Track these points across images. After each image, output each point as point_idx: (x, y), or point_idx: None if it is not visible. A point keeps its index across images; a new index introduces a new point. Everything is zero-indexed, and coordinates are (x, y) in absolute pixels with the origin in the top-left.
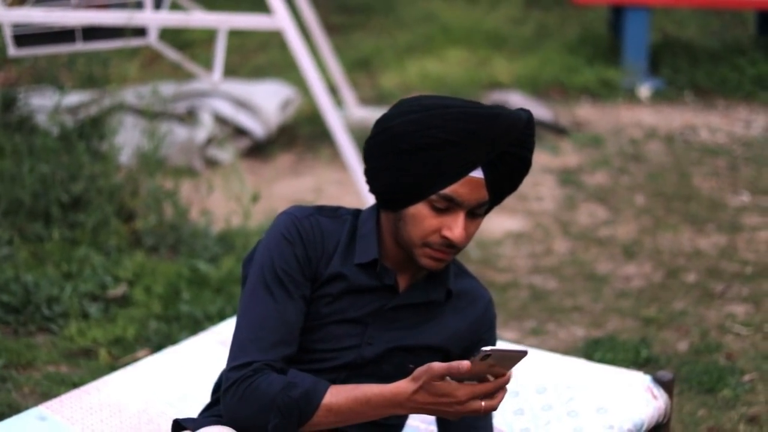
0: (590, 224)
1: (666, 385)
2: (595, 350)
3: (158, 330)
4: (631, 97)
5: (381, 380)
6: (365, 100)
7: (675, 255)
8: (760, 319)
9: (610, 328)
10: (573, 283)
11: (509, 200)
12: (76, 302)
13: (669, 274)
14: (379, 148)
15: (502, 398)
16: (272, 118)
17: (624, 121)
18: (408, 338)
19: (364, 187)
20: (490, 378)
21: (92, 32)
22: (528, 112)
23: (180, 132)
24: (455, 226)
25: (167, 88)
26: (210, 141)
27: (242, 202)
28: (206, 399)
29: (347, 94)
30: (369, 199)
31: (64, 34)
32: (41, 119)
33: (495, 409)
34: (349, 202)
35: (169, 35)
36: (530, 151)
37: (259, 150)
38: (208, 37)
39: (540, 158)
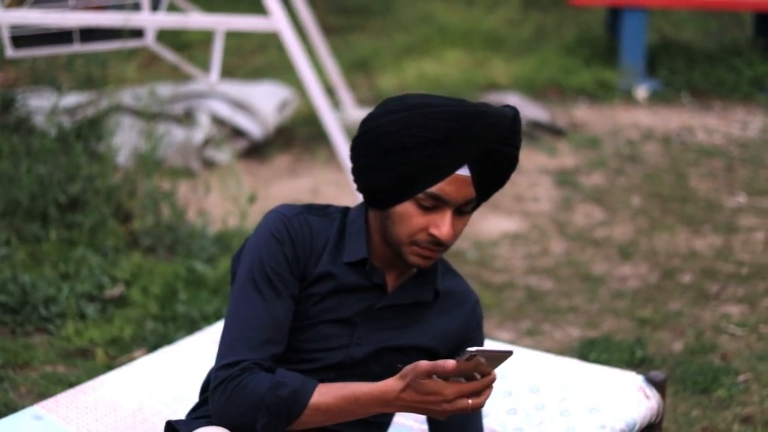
0: (586, 225)
1: (658, 385)
2: (590, 350)
3: (155, 330)
4: (629, 98)
5: (370, 380)
6: (363, 102)
7: (671, 256)
8: (755, 319)
9: (605, 329)
10: (569, 284)
11: (506, 201)
12: (73, 302)
13: (665, 274)
14: (365, 148)
15: (489, 396)
16: (270, 119)
17: (621, 123)
18: (397, 338)
19: None
20: (477, 376)
21: (90, 33)
22: (514, 110)
23: (177, 133)
24: (442, 224)
25: (165, 90)
26: (207, 142)
27: (239, 203)
28: None
29: (344, 95)
30: None
31: (62, 36)
32: (39, 120)
33: (481, 406)
34: (346, 202)
35: (168, 36)
36: (517, 148)
37: (256, 151)
38: (206, 38)
39: (537, 159)
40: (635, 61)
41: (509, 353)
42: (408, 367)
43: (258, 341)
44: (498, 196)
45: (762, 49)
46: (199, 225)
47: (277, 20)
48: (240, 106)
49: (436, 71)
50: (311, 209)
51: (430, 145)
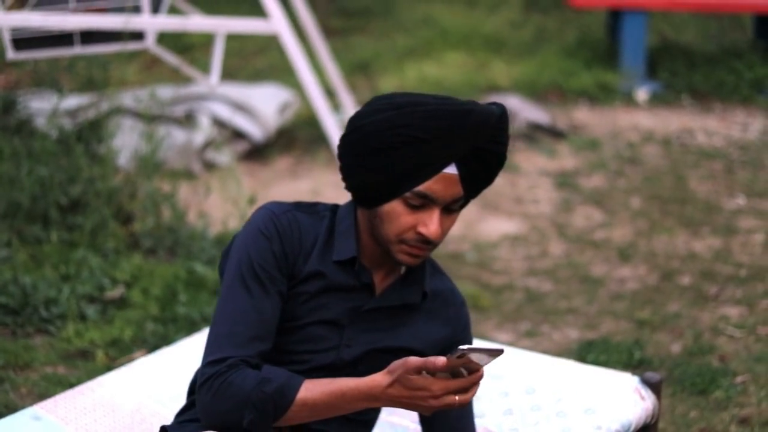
0: (586, 227)
1: (654, 386)
2: (588, 352)
3: (155, 331)
4: (629, 100)
5: None
6: (363, 104)
7: (670, 257)
8: (753, 321)
9: (604, 330)
10: (568, 286)
11: (506, 203)
12: (73, 304)
13: (663, 276)
14: (353, 147)
15: (475, 392)
16: (270, 121)
17: (621, 125)
18: (386, 340)
19: None
20: (464, 372)
21: (90, 36)
22: (501, 107)
23: (178, 135)
24: (430, 223)
25: (166, 92)
26: (208, 144)
27: (239, 205)
28: None
29: (345, 97)
30: None
31: (63, 38)
32: (41, 122)
33: (468, 402)
34: None
35: (169, 39)
36: (504, 146)
37: (257, 153)
38: (207, 40)
39: (537, 161)
40: (635, 63)
41: (500, 351)
42: (396, 363)
43: (245, 338)
44: (498, 198)
45: (762, 52)
46: (200, 227)
47: (276, 23)
48: (241, 108)
49: (437, 73)
50: (300, 207)
51: (417, 144)
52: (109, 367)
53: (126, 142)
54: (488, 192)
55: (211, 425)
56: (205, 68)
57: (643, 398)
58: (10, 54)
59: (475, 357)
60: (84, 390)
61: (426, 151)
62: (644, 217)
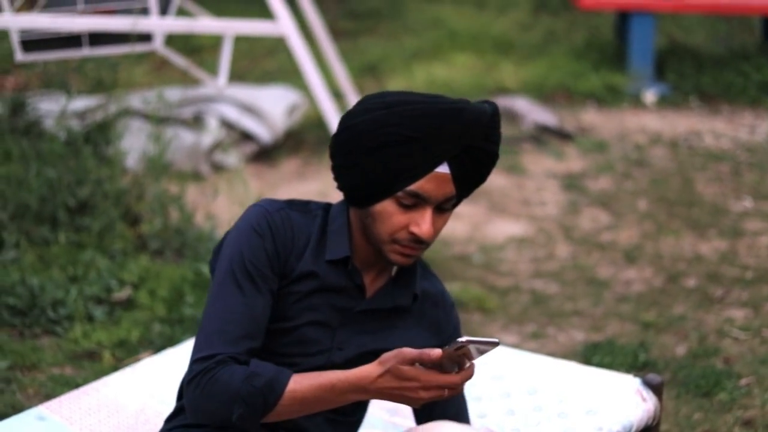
0: (592, 229)
1: (655, 388)
2: (593, 354)
3: (162, 333)
4: (637, 102)
5: None
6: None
7: (676, 260)
8: (758, 323)
9: (609, 332)
10: (574, 288)
11: (513, 205)
12: (81, 305)
13: (669, 278)
14: (344, 146)
15: (464, 384)
16: (279, 123)
17: (629, 127)
18: (376, 343)
19: None
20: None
21: (99, 38)
22: (493, 105)
23: (186, 137)
24: (423, 222)
25: (174, 93)
26: (216, 146)
27: (246, 207)
28: None
29: (353, 99)
30: None
31: (71, 40)
32: (50, 124)
33: (458, 393)
34: None
35: (179, 40)
36: (496, 144)
37: (265, 155)
38: (216, 42)
39: (544, 163)
40: (644, 65)
41: (496, 343)
42: (388, 354)
43: (235, 335)
44: (504, 200)
45: None
46: (207, 228)
47: (283, 25)
48: (249, 110)
49: (446, 75)
50: (293, 205)
51: (409, 143)
52: (115, 368)
53: (134, 143)
54: (495, 194)
55: (200, 422)
56: (213, 70)
57: (644, 400)
58: (19, 56)
59: (472, 348)
60: (89, 390)
61: (418, 150)
62: (651, 220)
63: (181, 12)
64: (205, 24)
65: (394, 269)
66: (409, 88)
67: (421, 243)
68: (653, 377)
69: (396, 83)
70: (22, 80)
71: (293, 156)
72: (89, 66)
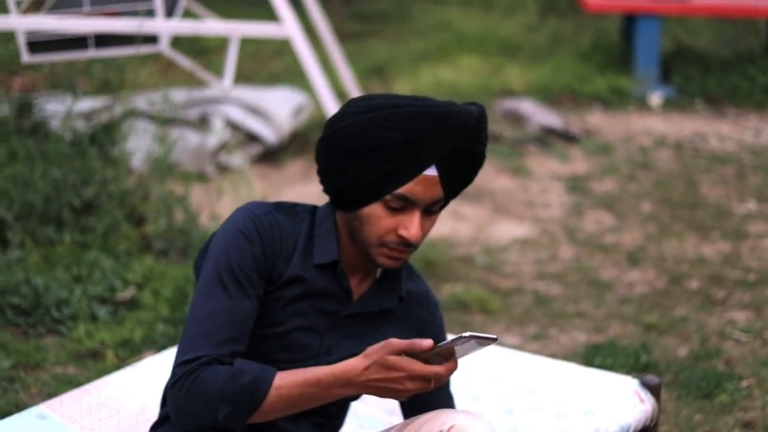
0: (596, 231)
1: (653, 389)
2: (595, 355)
3: (165, 333)
4: (642, 105)
5: None
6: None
7: (679, 262)
8: (760, 325)
9: (611, 334)
10: (576, 289)
11: (517, 207)
12: (85, 305)
13: (672, 280)
14: (331, 150)
15: (449, 376)
16: (284, 124)
17: (634, 129)
18: (363, 346)
19: None
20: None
21: (104, 39)
22: (480, 107)
23: (192, 138)
24: (411, 226)
25: (179, 95)
26: (222, 147)
27: None
28: None
29: None
30: None
31: (77, 41)
32: (56, 125)
33: (442, 384)
34: None
35: (186, 42)
36: (483, 146)
37: (271, 156)
38: (223, 44)
39: (549, 165)
40: (649, 67)
41: (495, 339)
42: (374, 346)
43: (220, 339)
44: (509, 202)
45: None
46: (212, 229)
47: (288, 27)
48: (255, 111)
49: (452, 77)
50: (280, 208)
51: (397, 146)
52: (118, 368)
53: (140, 144)
54: (499, 195)
55: (185, 426)
56: (220, 71)
57: (642, 401)
58: (25, 57)
59: (474, 342)
60: (90, 389)
61: (406, 153)
62: (654, 222)
63: (188, 14)
64: (210, 26)
65: (379, 271)
66: (415, 90)
67: (409, 246)
68: (651, 378)
69: (402, 85)
70: (29, 81)
71: (298, 157)
72: (96, 67)
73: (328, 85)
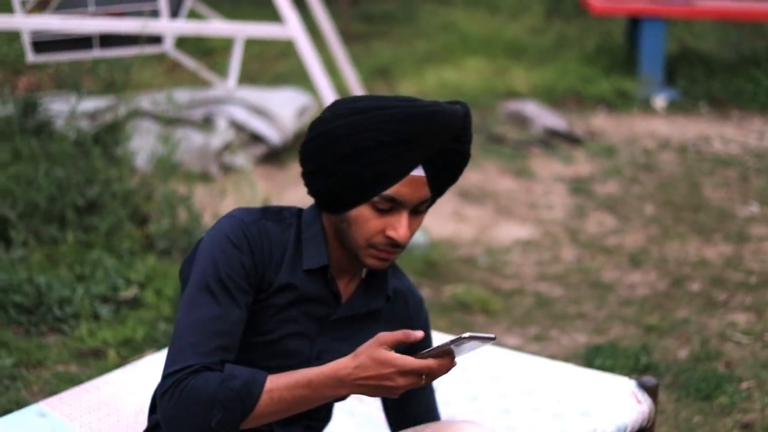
0: (598, 233)
1: (650, 390)
2: (595, 357)
3: (167, 332)
4: (647, 107)
5: None
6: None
7: (681, 264)
8: (761, 328)
9: (612, 335)
10: (578, 291)
11: (520, 208)
12: (87, 304)
13: (674, 282)
14: (317, 153)
15: (441, 372)
16: (288, 125)
17: (638, 132)
18: (353, 348)
19: None
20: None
21: (109, 39)
22: (465, 106)
23: (196, 138)
24: (399, 227)
25: (185, 95)
26: (226, 147)
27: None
28: None
29: None
30: None
31: (82, 41)
32: (61, 124)
33: (434, 379)
34: None
35: (192, 43)
36: (469, 144)
37: (274, 157)
38: (229, 44)
39: (552, 167)
40: (654, 70)
41: (494, 338)
42: (363, 345)
43: (209, 347)
44: (512, 203)
45: None
46: None
47: (291, 28)
48: (259, 111)
49: (456, 79)
50: (267, 214)
51: (384, 148)
52: (120, 367)
53: (144, 144)
54: (502, 197)
55: None
56: (225, 72)
57: (639, 402)
58: (30, 57)
59: (473, 342)
60: (89, 388)
61: (393, 155)
62: (657, 224)
63: (193, 14)
64: (214, 27)
65: (365, 270)
66: (420, 91)
67: (397, 247)
68: (648, 379)
69: (407, 87)
70: (34, 81)
71: None
72: (102, 67)
73: (331, 85)
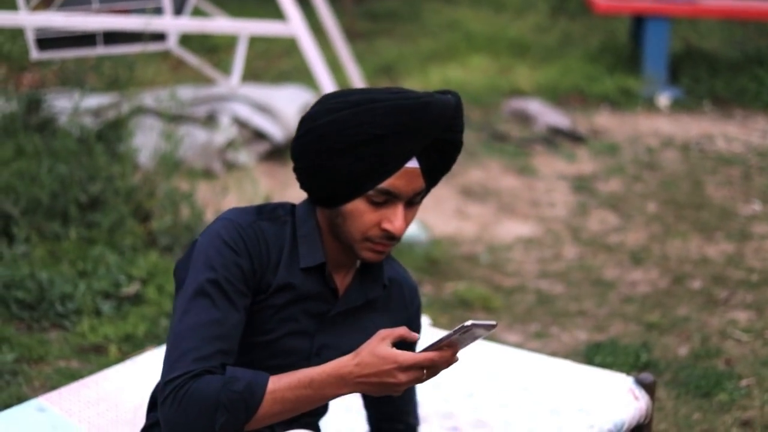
0: (600, 231)
1: (648, 387)
2: (595, 354)
3: (168, 328)
4: (650, 105)
5: None
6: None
7: (682, 262)
8: (761, 325)
9: (612, 333)
10: (579, 288)
11: (522, 206)
12: (89, 300)
13: (675, 280)
14: (310, 148)
15: (442, 365)
16: (291, 122)
17: (641, 130)
18: (353, 340)
19: None
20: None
21: (113, 36)
22: (456, 95)
23: (200, 135)
24: (395, 219)
25: (187, 92)
26: (229, 144)
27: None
28: None
29: None
30: None
31: (86, 38)
32: (64, 121)
33: (435, 374)
34: None
35: (197, 40)
36: (461, 133)
37: (278, 154)
38: (234, 42)
39: (555, 165)
40: (658, 69)
41: (495, 325)
42: (364, 344)
43: (209, 352)
44: (514, 201)
45: None
46: None
47: (294, 25)
48: (262, 109)
49: (461, 77)
50: (262, 214)
51: (379, 141)
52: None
53: (147, 141)
54: (505, 195)
55: None
56: (230, 69)
57: (636, 398)
58: (34, 54)
59: (475, 331)
60: (89, 383)
61: (387, 148)
62: (659, 222)
63: (198, 12)
64: (217, 24)
65: (359, 261)
66: (424, 89)
67: (393, 239)
68: (646, 376)
69: (411, 84)
70: (38, 77)
71: None
72: (106, 64)
73: (334, 83)
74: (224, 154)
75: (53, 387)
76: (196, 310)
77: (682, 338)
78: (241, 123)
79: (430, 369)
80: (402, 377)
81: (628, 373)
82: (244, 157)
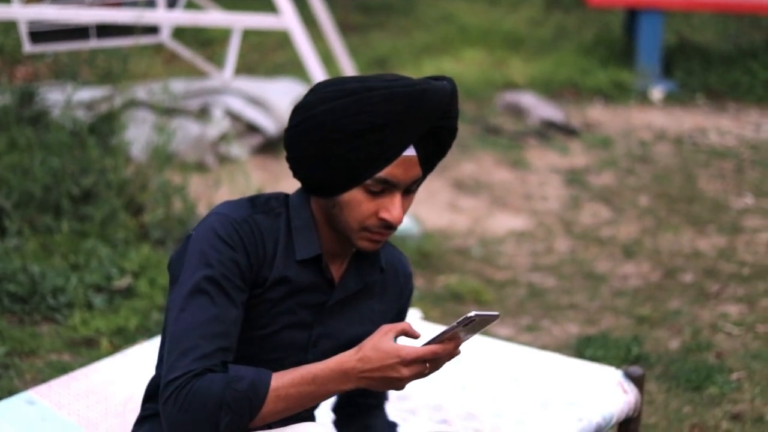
0: (592, 224)
1: (637, 380)
2: (586, 347)
3: (160, 321)
4: (644, 99)
5: None
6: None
7: (674, 255)
8: (752, 319)
9: (603, 326)
10: (571, 282)
11: (514, 199)
12: (81, 293)
13: (666, 273)
14: (305, 138)
15: (446, 358)
16: (285, 115)
17: (635, 123)
18: (351, 328)
19: None
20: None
21: (106, 30)
22: (451, 81)
23: (193, 128)
24: (393, 208)
25: (180, 85)
26: (222, 137)
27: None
28: None
29: None
30: None
31: (79, 31)
32: (58, 114)
33: (438, 368)
34: None
35: (191, 33)
36: (456, 119)
37: (270, 147)
38: (228, 35)
39: (548, 158)
40: (651, 62)
41: (497, 315)
42: (366, 339)
43: (209, 350)
44: (506, 194)
45: None
46: None
47: (286, 18)
48: (255, 102)
49: (454, 70)
50: (256, 207)
51: (375, 131)
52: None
53: (140, 134)
54: (497, 188)
55: None
56: (223, 63)
57: (625, 392)
58: (27, 47)
59: (477, 322)
60: (78, 376)
61: (384, 137)
62: (651, 215)
63: (191, 5)
64: (210, 17)
65: (354, 249)
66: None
67: (390, 228)
68: (635, 370)
69: None
70: (32, 70)
71: None
72: (100, 57)
73: (326, 76)
74: (217, 147)
75: (45, 380)
76: (194, 307)
77: (673, 331)
78: (234, 116)
79: (432, 362)
80: (405, 371)
81: (619, 366)
82: (237, 150)
